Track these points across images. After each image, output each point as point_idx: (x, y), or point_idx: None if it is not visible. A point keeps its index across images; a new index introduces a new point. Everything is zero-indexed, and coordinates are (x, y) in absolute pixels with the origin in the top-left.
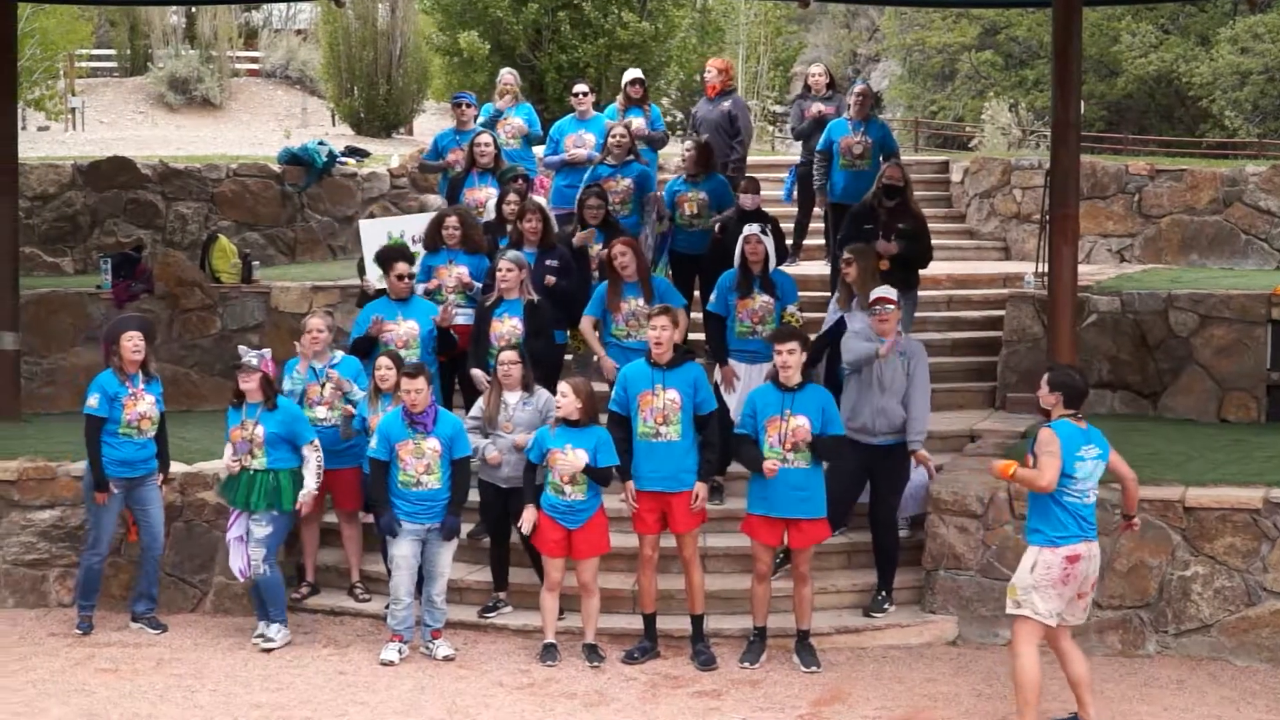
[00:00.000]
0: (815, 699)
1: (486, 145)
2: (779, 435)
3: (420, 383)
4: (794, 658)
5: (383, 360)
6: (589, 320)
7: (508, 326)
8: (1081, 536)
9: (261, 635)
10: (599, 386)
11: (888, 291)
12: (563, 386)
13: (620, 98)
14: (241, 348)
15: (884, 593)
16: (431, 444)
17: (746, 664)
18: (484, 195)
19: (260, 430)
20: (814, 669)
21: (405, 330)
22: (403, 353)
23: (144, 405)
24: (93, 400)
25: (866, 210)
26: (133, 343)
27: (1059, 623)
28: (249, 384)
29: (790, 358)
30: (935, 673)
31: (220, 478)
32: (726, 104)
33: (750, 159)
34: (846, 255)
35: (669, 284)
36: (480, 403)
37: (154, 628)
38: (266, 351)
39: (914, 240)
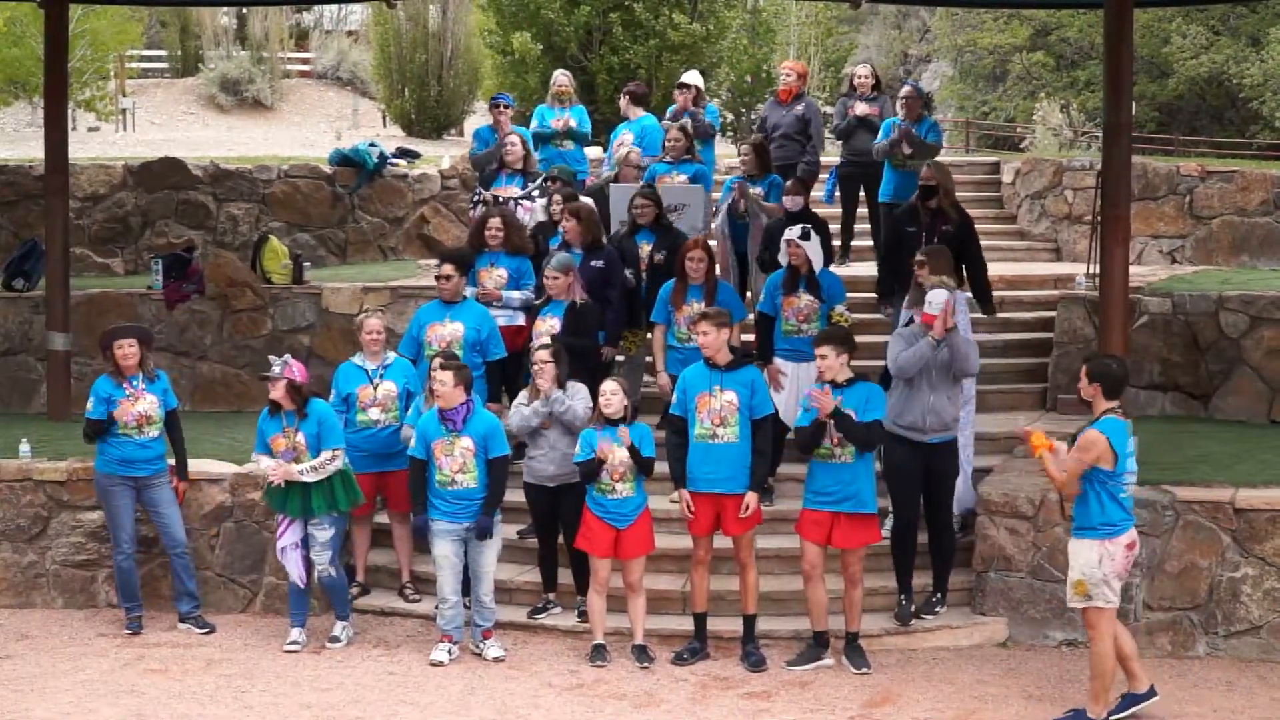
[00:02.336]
0: (866, 700)
1: (514, 145)
2: (828, 430)
3: (447, 375)
4: (843, 659)
5: (438, 361)
6: (659, 329)
7: (547, 326)
8: (1132, 523)
9: (296, 643)
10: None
11: (936, 297)
12: (609, 385)
13: (679, 98)
14: (271, 357)
15: (938, 594)
16: (464, 443)
17: (796, 667)
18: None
19: (302, 437)
20: (864, 670)
21: (449, 331)
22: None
23: (143, 405)
24: (89, 404)
25: (910, 211)
26: (122, 350)
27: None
28: (276, 393)
29: (823, 362)
30: (985, 674)
31: (272, 484)
32: (800, 108)
33: None
34: (919, 257)
35: (732, 290)
36: (522, 396)
37: (201, 627)
38: (288, 357)
39: (958, 241)
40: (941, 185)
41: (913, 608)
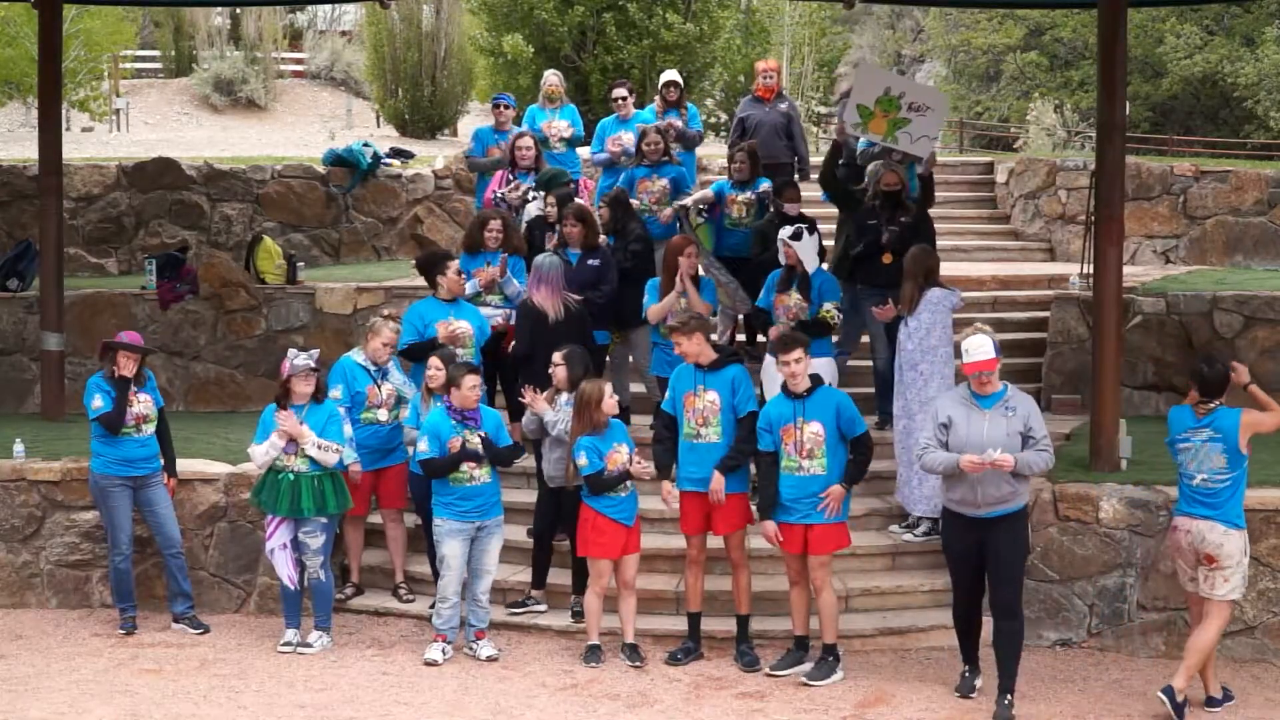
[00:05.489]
0: (859, 701)
1: (528, 147)
2: (794, 444)
3: (474, 379)
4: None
5: (433, 361)
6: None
7: None
8: (1183, 512)
9: (289, 643)
10: (637, 387)
11: (984, 352)
12: (608, 388)
13: (658, 99)
14: (292, 350)
15: (1008, 697)
16: (478, 439)
17: (780, 671)
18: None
19: (306, 427)
20: (817, 683)
21: (460, 329)
22: (460, 353)
23: (140, 406)
24: (98, 401)
25: (868, 209)
26: (126, 356)
27: (1190, 589)
28: (308, 387)
29: (796, 366)
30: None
31: (265, 461)
32: (784, 105)
33: None
34: (906, 265)
35: (713, 286)
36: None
37: (195, 628)
38: (316, 352)
39: (915, 231)
40: (905, 184)
41: (976, 680)
